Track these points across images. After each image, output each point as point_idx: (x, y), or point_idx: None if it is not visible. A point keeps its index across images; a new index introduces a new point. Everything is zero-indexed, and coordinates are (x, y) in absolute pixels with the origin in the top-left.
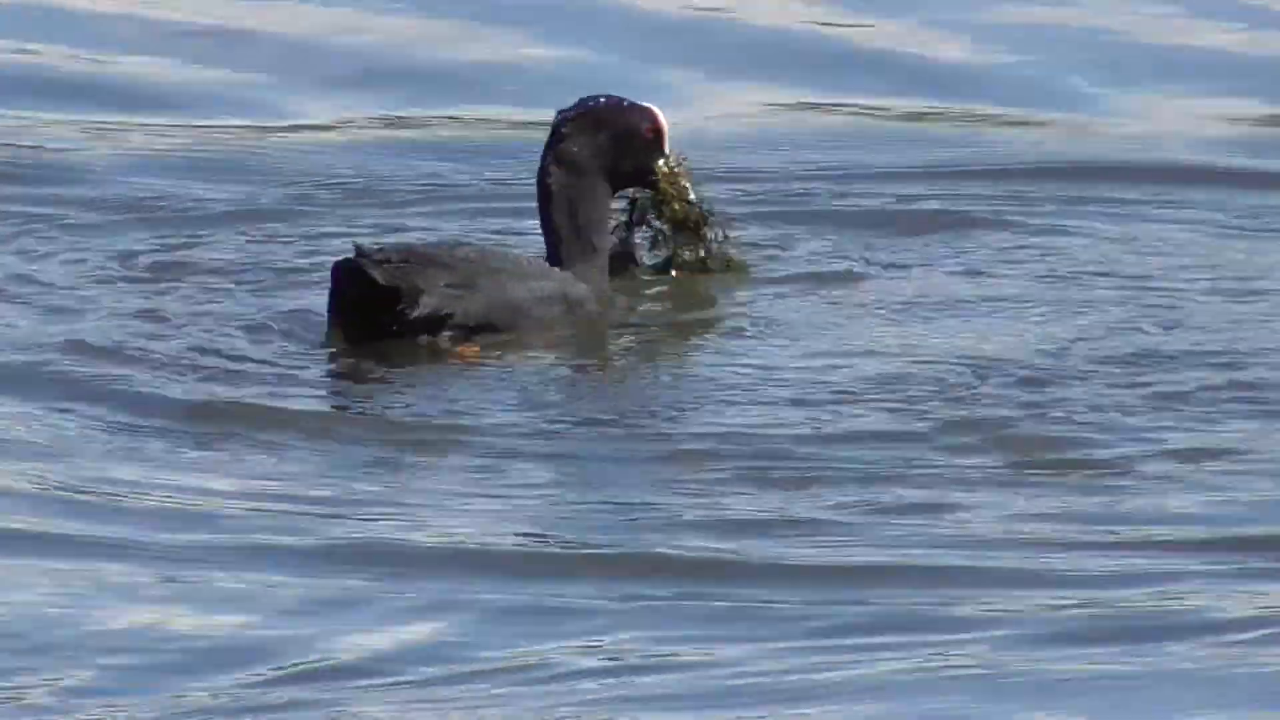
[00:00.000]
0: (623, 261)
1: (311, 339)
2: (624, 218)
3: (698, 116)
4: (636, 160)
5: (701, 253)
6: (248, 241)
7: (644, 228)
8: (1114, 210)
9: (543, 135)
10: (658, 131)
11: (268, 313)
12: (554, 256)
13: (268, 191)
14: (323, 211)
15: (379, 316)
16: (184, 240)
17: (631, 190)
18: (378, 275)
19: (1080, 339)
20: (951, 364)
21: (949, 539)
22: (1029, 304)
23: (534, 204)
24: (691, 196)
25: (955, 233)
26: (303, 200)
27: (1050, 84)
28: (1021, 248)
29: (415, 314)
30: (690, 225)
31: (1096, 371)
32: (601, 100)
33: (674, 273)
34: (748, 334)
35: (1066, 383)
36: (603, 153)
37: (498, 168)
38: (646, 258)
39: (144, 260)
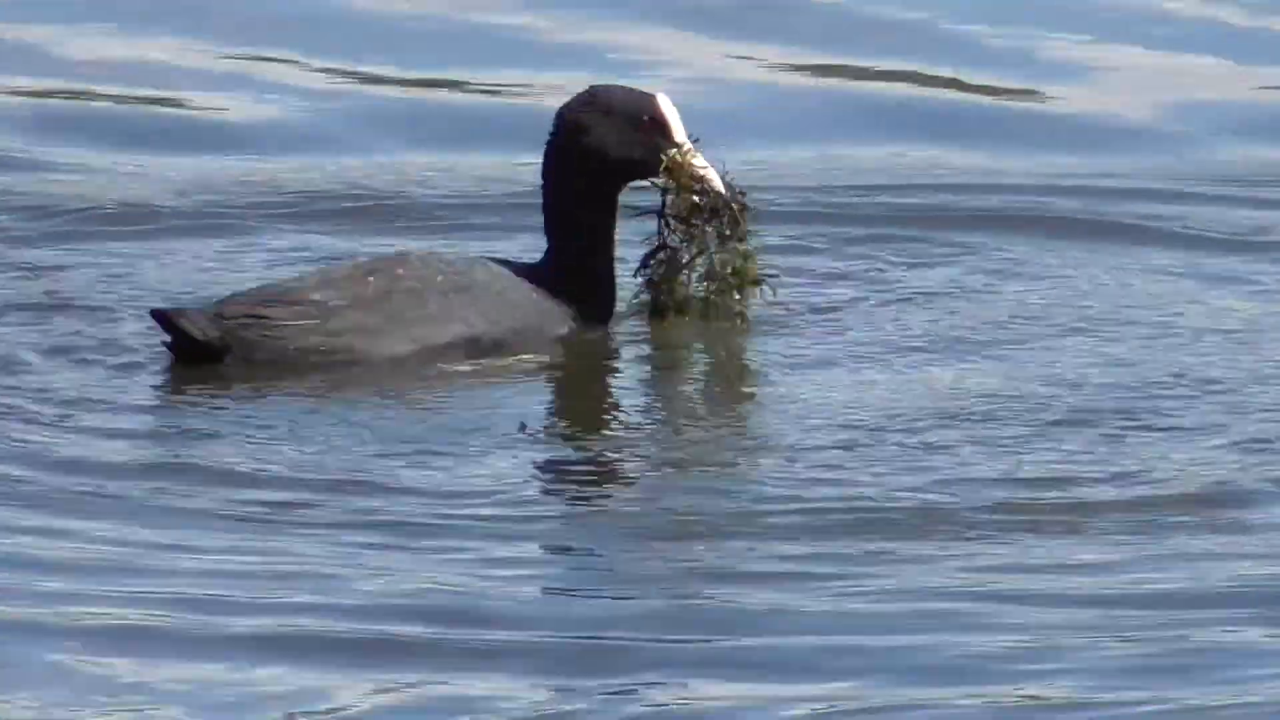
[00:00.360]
0: (669, 270)
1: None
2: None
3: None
4: (641, 151)
5: (734, 248)
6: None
7: (678, 223)
8: (1158, 222)
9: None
10: (658, 120)
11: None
12: (551, 258)
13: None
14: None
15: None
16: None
17: (663, 181)
18: (193, 331)
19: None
20: (973, 399)
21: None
22: (1068, 329)
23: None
24: (718, 185)
25: (986, 235)
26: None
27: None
28: (1061, 260)
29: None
30: (715, 216)
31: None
32: (600, 89)
33: (705, 278)
34: (707, 370)
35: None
36: (605, 146)
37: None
38: (685, 258)
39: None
